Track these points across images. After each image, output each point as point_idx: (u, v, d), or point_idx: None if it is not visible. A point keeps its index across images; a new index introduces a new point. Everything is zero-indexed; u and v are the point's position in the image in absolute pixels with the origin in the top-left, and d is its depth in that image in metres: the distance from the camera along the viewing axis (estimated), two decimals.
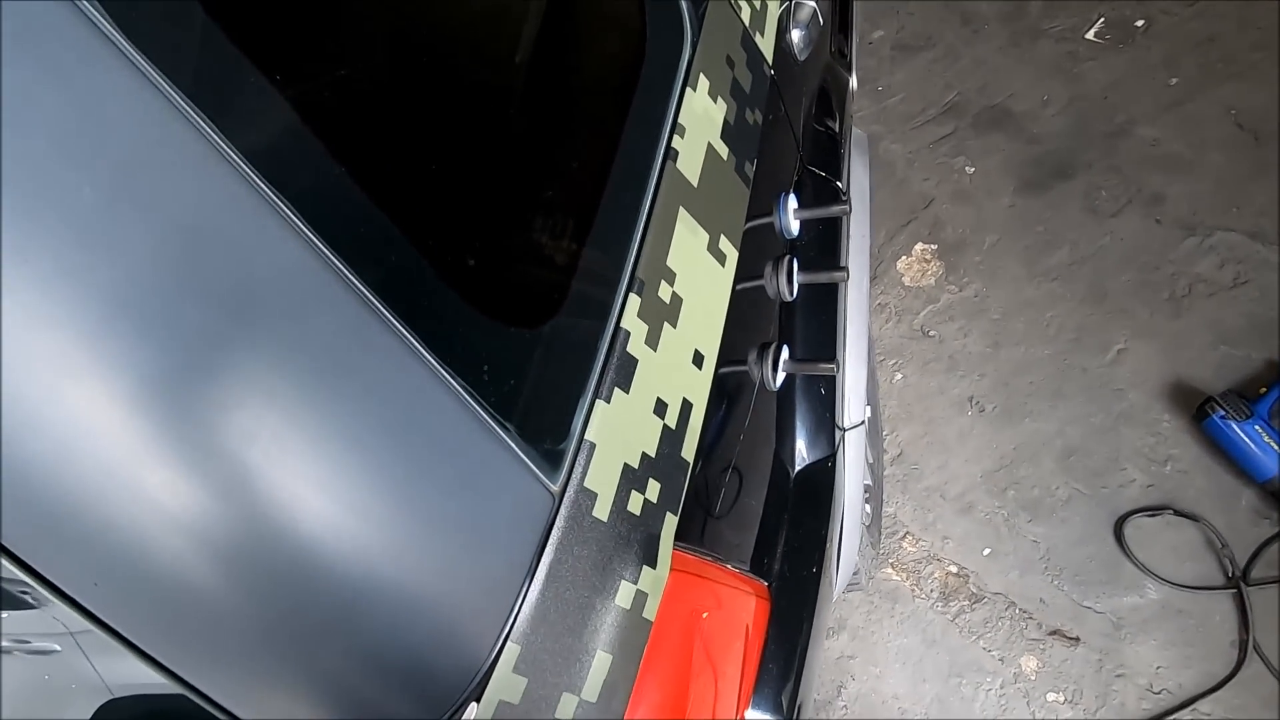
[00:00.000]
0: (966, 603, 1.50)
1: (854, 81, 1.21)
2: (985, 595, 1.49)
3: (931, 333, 1.76)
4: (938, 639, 1.48)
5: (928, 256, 1.86)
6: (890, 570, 1.57)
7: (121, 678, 0.42)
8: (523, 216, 0.50)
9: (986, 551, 1.52)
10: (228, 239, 0.34)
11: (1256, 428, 1.36)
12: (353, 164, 0.40)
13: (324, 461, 0.37)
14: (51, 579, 0.35)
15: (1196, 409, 1.45)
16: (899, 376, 1.74)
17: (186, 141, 0.33)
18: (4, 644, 0.44)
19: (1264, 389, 1.41)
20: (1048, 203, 1.84)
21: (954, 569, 1.53)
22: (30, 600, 0.38)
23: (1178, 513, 1.43)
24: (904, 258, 1.87)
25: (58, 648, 0.43)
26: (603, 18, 0.62)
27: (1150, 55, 1.92)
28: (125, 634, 0.37)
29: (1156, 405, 1.55)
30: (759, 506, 0.77)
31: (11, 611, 0.40)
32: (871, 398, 1.29)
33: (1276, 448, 1.33)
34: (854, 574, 1.10)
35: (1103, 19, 2.00)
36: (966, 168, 1.94)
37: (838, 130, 1.05)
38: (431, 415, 0.41)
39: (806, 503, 0.82)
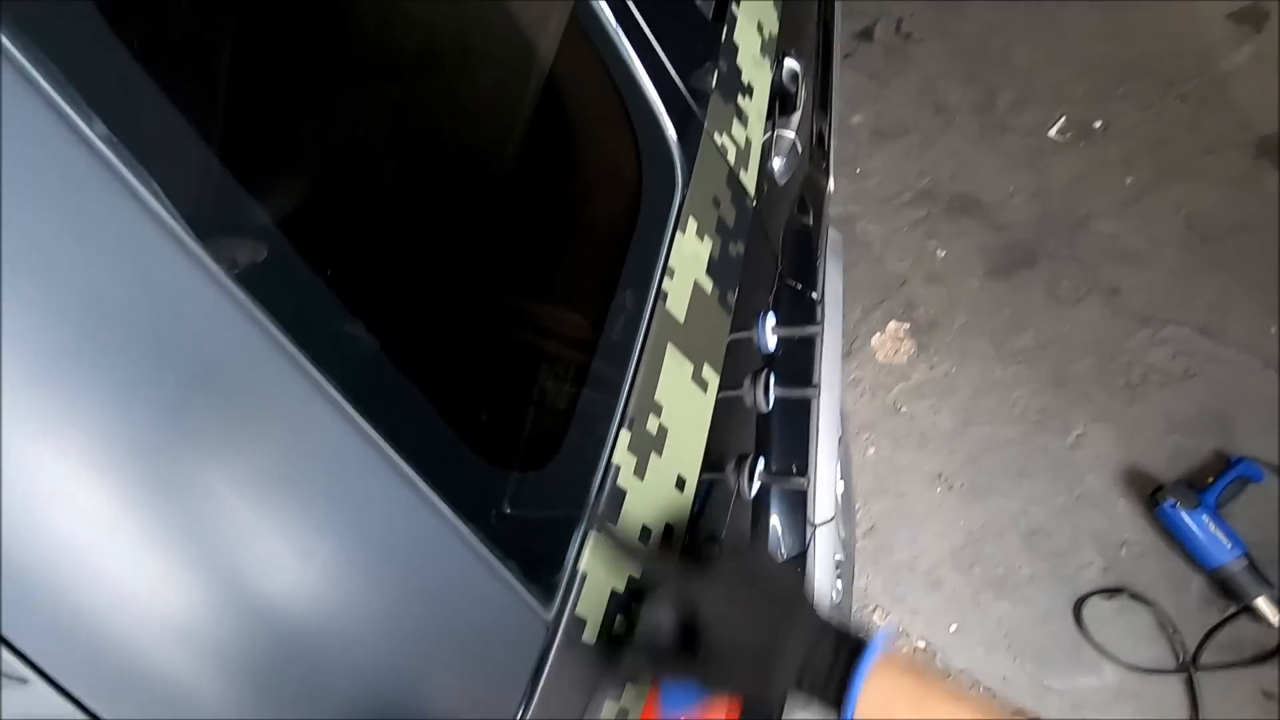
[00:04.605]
0: None
1: (831, 185, 1.31)
2: (950, 672, 1.54)
3: (904, 409, 1.84)
4: None
5: (901, 335, 1.95)
6: None
7: None
8: (529, 370, 0.56)
9: (953, 628, 1.57)
10: (277, 420, 0.40)
11: (1204, 517, 1.44)
12: (380, 332, 0.46)
13: (355, 603, 0.43)
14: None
15: (1150, 495, 1.54)
16: (872, 450, 1.81)
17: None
18: None
19: (1211, 479, 1.50)
20: (1013, 288, 1.95)
21: (921, 644, 1.58)
22: None
23: (1133, 596, 1.49)
24: (878, 334, 1.96)
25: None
26: (603, 172, 0.69)
27: (1109, 154, 2.06)
28: None
29: (1113, 489, 1.63)
30: None
31: None
32: (845, 472, 1.35)
33: (1222, 538, 1.41)
34: None
35: (1064, 117, 2.14)
36: (938, 251, 2.05)
37: (814, 237, 1.13)
38: (445, 558, 0.46)
39: None
